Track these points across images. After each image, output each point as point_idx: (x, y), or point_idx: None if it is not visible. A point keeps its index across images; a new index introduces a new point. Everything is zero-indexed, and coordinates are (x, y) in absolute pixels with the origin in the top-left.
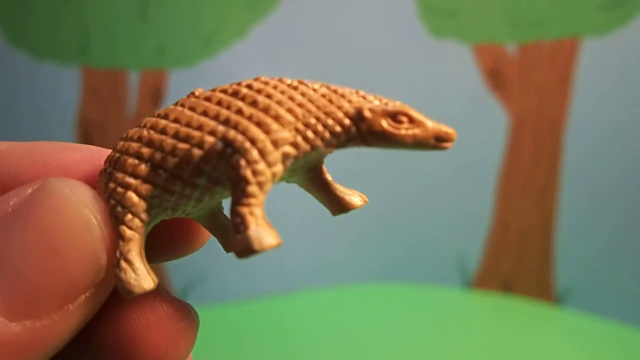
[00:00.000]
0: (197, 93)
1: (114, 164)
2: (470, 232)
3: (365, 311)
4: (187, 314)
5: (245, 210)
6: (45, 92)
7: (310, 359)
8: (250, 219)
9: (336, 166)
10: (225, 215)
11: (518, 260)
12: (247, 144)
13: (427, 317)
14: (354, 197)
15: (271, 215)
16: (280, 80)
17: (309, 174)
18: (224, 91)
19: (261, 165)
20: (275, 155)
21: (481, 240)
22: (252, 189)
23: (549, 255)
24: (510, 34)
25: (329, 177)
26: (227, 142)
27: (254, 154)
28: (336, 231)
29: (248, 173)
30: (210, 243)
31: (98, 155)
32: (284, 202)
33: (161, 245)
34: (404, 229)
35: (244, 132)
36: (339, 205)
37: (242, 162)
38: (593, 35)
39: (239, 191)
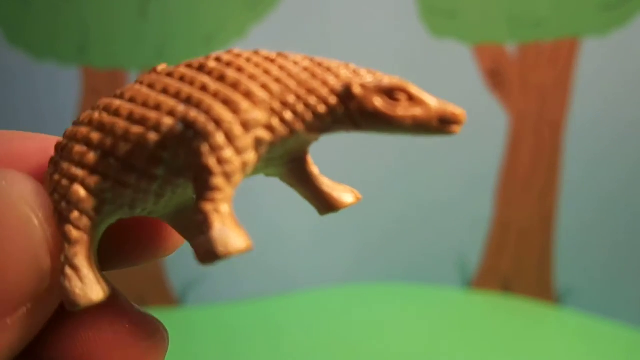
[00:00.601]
0: (159, 69)
1: (60, 152)
2: (470, 232)
3: (365, 311)
4: (153, 331)
5: (209, 206)
6: (45, 92)
7: (310, 358)
8: (214, 218)
9: (336, 166)
10: None
11: (518, 260)
12: (211, 126)
13: (427, 317)
14: (345, 194)
15: (271, 214)
16: (256, 52)
17: (290, 165)
18: (189, 65)
19: (228, 152)
20: (245, 140)
21: (481, 240)
22: (217, 180)
23: (549, 255)
24: (510, 34)
25: (315, 170)
26: (188, 124)
27: (219, 138)
28: (336, 231)
29: (211, 161)
30: None
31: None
32: (284, 201)
33: (121, 249)
34: (404, 229)
35: (207, 112)
36: (326, 203)
37: (205, 148)
38: (593, 35)
39: (202, 184)
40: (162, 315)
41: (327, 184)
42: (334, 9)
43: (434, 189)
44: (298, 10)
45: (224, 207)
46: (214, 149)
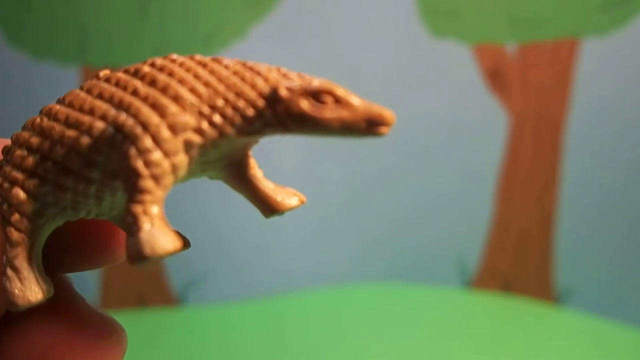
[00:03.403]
0: (101, 74)
1: (6, 156)
2: (470, 232)
3: (365, 311)
4: (109, 332)
5: (138, 208)
6: (44, 92)
7: (310, 358)
8: (143, 219)
9: (336, 166)
10: None
11: (518, 260)
12: (138, 130)
13: (427, 317)
14: (288, 197)
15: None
16: (191, 57)
17: (230, 168)
18: (127, 71)
19: (156, 155)
20: (173, 143)
21: (481, 240)
22: (145, 183)
23: (549, 255)
24: (510, 34)
25: (258, 172)
26: (117, 128)
27: (146, 141)
28: (336, 231)
29: (139, 164)
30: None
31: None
32: None
33: (70, 253)
34: (404, 229)
35: (135, 116)
36: (269, 206)
37: (132, 151)
38: (593, 36)
39: (131, 186)
40: (162, 315)
41: (270, 187)
42: (334, 9)
43: (434, 189)
44: (298, 10)
45: (154, 209)
46: (141, 151)
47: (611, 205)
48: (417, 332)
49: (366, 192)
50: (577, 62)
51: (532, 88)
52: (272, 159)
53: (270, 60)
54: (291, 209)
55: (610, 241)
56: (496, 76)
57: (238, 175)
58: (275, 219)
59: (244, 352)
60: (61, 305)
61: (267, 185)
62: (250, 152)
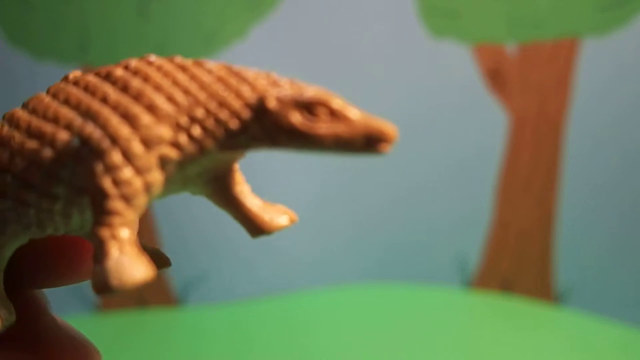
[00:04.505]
0: (70, 77)
1: None
2: (470, 232)
3: (365, 311)
4: (80, 354)
5: (105, 232)
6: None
7: (310, 358)
8: (110, 245)
9: (336, 168)
10: None
11: (518, 260)
12: (106, 143)
13: (427, 317)
14: (277, 216)
15: None
16: (170, 60)
17: (214, 184)
18: (98, 73)
19: (126, 173)
20: (146, 158)
21: (481, 240)
22: (114, 204)
23: (549, 255)
24: (510, 34)
25: (244, 188)
26: (83, 140)
27: (115, 156)
28: (336, 231)
29: (107, 183)
30: (210, 242)
31: None
32: (285, 200)
33: (44, 268)
34: (405, 229)
35: (103, 127)
36: (256, 226)
37: (99, 168)
38: (593, 35)
39: (98, 207)
40: (162, 315)
41: (258, 205)
42: (334, 9)
43: (434, 189)
44: (298, 11)
45: (123, 233)
46: (109, 168)
47: (611, 205)
48: (417, 331)
49: (368, 193)
50: (577, 62)
51: (532, 88)
52: (266, 157)
53: (270, 60)
54: (280, 229)
55: (609, 241)
56: (496, 76)
57: (222, 192)
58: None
59: (244, 352)
60: (28, 327)
61: (254, 203)
62: (237, 166)
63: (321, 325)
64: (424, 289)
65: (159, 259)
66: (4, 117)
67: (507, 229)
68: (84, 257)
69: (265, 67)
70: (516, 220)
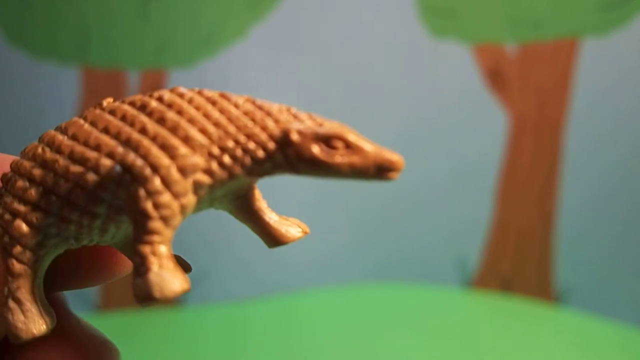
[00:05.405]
0: (104, 104)
1: (6, 185)
2: (470, 232)
3: (365, 311)
4: (103, 352)
5: (146, 249)
6: (45, 92)
7: (310, 358)
8: (152, 260)
9: None
10: None
11: (518, 260)
12: (147, 171)
13: (427, 317)
14: (291, 228)
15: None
16: (200, 93)
17: (236, 202)
18: (132, 103)
19: (165, 197)
20: (182, 184)
21: (481, 240)
22: (155, 224)
23: (549, 255)
24: (510, 34)
25: (262, 204)
26: (126, 167)
27: (156, 183)
28: (336, 231)
29: (148, 206)
30: (210, 243)
31: (6, 166)
32: (285, 200)
33: (66, 272)
34: (405, 229)
35: (144, 157)
36: (273, 238)
37: (142, 193)
38: (593, 35)
39: (140, 227)
40: (162, 315)
41: (274, 219)
42: (334, 9)
43: (434, 189)
44: (298, 11)
45: (162, 249)
46: (151, 193)
47: (611, 205)
48: (417, 332)
49: (367, 192)
50: (577, 62)
51: (532, 88)
52: None
53: (270, 60)
54: (294, 240)
55: (610, 241)
56: (496, 76)
57: (244, 208)
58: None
59: (245, 352)
60: (59, 327)
61: (271, 218)
62: (255, 184)
63: (321, 326)
64: (424, 289)
65: (180, 264)
66: (41, 140)
67: (507, 229)
68: (105, 260)
69: (265, 67)
70: (516, 220)
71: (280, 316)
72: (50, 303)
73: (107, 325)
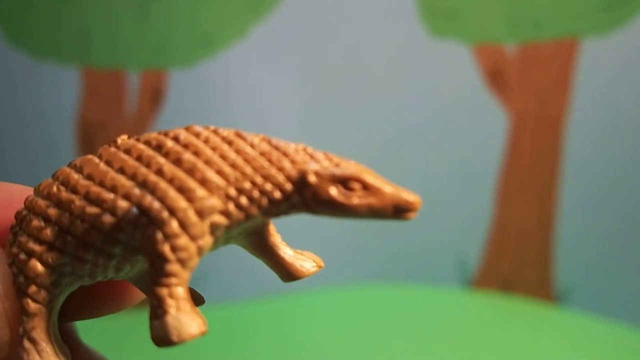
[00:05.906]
0: (119, 142)
1: (20, 223)
2: (470, 232)
3: (365, 311)
4: None
5: (163, 291)
6: (45, 92)
7: (309, 358)
8: (169, 303)
9: None
10: None
11: (518, 260)
12: (165, 214)
13: (426, 317)
14: (306, 262)
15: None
16: (215, 132)
17: (251, 238)
18: (148, 143)
19: (182, 240)
20: (200, 227)
21: (481, 240)
22: (172, 267)
23: (549, 255)
24: (510, 34)
25: (277, 239)
26: (143, 210)
27: (173, 226)
28: (336, 231)
29: (166, 249)
30: None
31: (19, 199)
32: None
33: (77, 304)
34: (404, 229)
35: (162, 199)
36: (288, 273)
37: (159, 236)
38: (593, 35)
39: (156, 269)
40: None
41: (289, 254)
42: (334, 9)
43: (434, 189)
44: (298, 11)
45: (179, 291)
46: (168, 236)
47: (611, 205)
48: (417, 331)
49: None
50: (577, 62)
51: (532, 88)
52: None
53: (270, 60)
54: (309, 275)
55: (610, 241)
56: (496, 76)
57: (259, 244)
58: (275, 219)
59: (244, 352)
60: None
61: (286, 253)
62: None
63: (321, 326)
64: (424, 289)
65: (194, 298)
66: (55, 177)
67: (507, 229)
68: (116, 291)
69: (265, 67)
70: (516, 220)
71: (281, 317)
72: (61, 332)
73: (107, 325)
